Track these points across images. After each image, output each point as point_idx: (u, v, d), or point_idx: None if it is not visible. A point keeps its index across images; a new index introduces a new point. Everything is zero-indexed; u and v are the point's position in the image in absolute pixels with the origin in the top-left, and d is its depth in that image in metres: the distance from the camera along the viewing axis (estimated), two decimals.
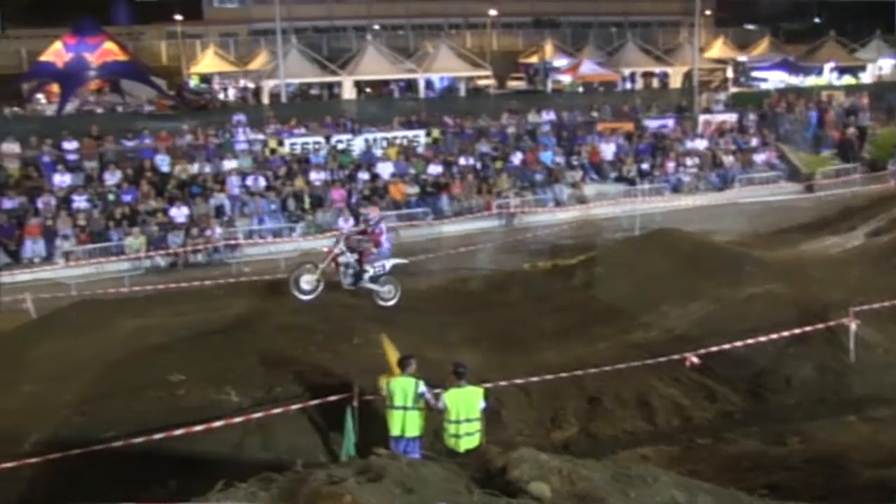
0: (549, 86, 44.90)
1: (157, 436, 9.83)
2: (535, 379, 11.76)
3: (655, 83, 46.66)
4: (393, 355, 9.96)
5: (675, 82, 44.42)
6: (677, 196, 26.81)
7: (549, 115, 30.89)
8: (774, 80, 46.85)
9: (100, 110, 37.43)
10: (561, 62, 47.81)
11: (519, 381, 11.69)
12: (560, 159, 27.84)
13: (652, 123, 30.96)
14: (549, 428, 11.42)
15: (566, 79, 44.88)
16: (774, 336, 12.66)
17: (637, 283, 16.03)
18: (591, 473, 6.13)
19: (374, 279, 14.67)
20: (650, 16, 59.20)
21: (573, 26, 56.47)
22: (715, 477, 8.30)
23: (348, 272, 14.52)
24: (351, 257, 14.48)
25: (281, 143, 26.65)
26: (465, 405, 9.09)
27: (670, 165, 28.08)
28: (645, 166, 27.98)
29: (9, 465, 9.47)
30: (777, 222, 22.48)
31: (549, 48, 49.04)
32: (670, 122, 31.25)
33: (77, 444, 9.75)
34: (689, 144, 29.74)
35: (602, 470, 6.36)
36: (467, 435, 9.08)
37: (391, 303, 14.84)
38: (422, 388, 9.26)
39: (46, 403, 11.35)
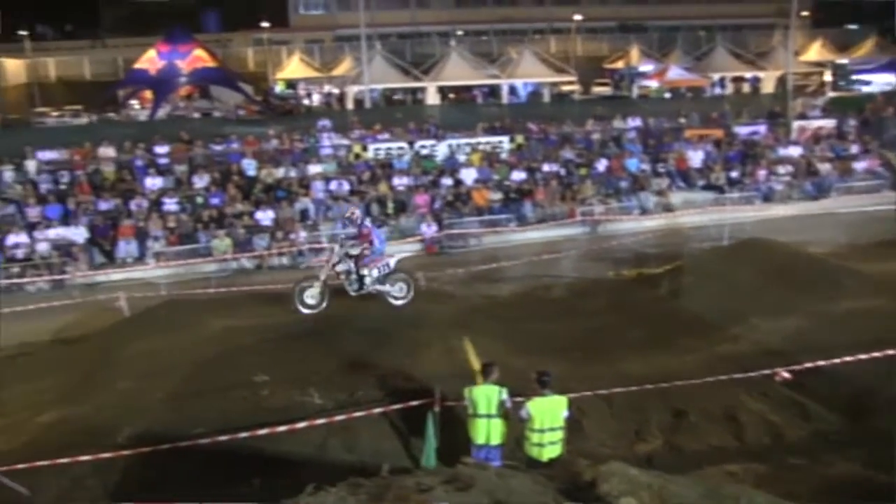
0: (635, 91, 44.33)
1: (242, 434, 9.99)
2: (618, 390, 11.47)
3: (746, 88, 45.56)
4: (475, 361, 9.85)
5: (768, 87, 43.29)
6: (769, 205, 25.98)
7: (634, 122, 30.54)
8: (880, 82, 44.80)
9: (197, 115, 38.54)
10: (647, 67, 47.13)
11: (602, 391, 11.43)
12: (646, 166, 27.39)
13: (742, 130, 30.25)
14: (633, 440, 11.09)
15: (653, 84, 44.27)
16: (878, 354, 12.01)
17: (726, 295, 15.48)
18: (682, 490, 5.89)
19: (380, 280, 14.38)
20: (741, 18, 57.65)
21: (660, 30, 55.62)
22: (811, 500, 7.92)
23: (351, 279, 14.28)
24: (350, 264, 14.21)
25: (365, 149, 26.91)
26: (550, 414, 8.91)
27: (761, 173, 27.25)
28: (734, 174, 27.24)
29: (105, 455, 9.85)
30: (879, 234, 21.31)
31: (634, 53, 48.49)
32: (762, 129, 30.42)
33: (167, 440, 10.01)
34: (782, 152, 28.84)
35: (693, 487, 6.10)
36: (550, 444, 8.91)
37: (403, 301, 14.49)
38: (504, 395, 9.14)
39: (139, 399, 11.67)
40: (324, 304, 14.27)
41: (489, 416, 9.13)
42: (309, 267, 14.86)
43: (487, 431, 9.15)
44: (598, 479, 5.84)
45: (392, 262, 14.61)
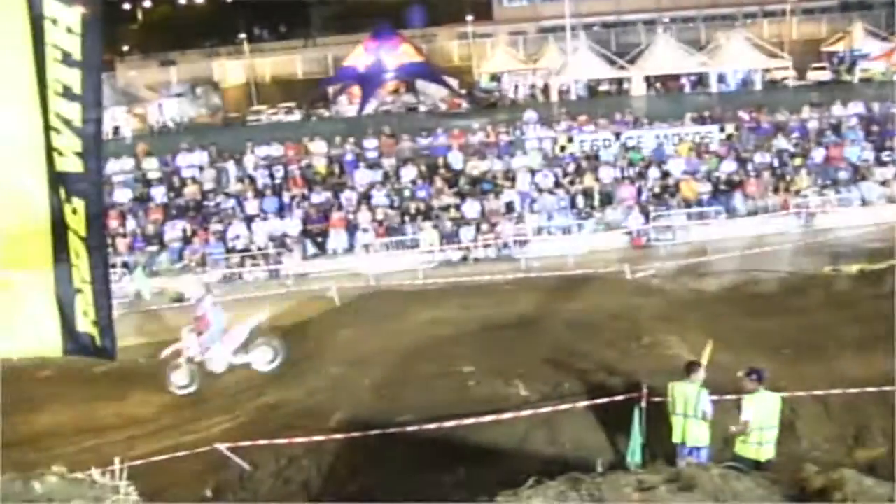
0: (857, 75, 41.35)
1: (448, 424, 10.25)
2: (835, 391, 11.02)
3: None
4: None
5: None
6: None
7: (856, 108, 28.60)
8: None
9: (421, 107, 39.86)
10: (871, 48, 43.76)
11: (817, 392, 11.03)
12: (868, 155, 25.63)
13: None
14: (851, 445, 10.63)
15: (877, 66, 41.07)
16: None
17: None
18: None
19: (236, 352, 13.88)
20: None
21: (889, 6, 51.37)
22: None
23: (208, 358, 13.79)
24: (200, 345, 13.70)
25: (570, 140, 26.94)
26: (768, 412, 8.76)
27: None
28: None
29: (318, 438, 10.51)
30: None
31: (857, 33, 45.12)
32: None
33: (375, 426, 10.49)
34: None
35: None
36: (768, 444, 8.75)
37: (271, 367, 13.86)
38: (704, 397, 8.94)
39: (348, 386, 12.42)
40: (195, 385, 13.74)
41: (685, 415, 8.98)
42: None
43: (683, 430, 9.03)
44: (830, 487, 5.59)
45: (244, 329, 14.07)
